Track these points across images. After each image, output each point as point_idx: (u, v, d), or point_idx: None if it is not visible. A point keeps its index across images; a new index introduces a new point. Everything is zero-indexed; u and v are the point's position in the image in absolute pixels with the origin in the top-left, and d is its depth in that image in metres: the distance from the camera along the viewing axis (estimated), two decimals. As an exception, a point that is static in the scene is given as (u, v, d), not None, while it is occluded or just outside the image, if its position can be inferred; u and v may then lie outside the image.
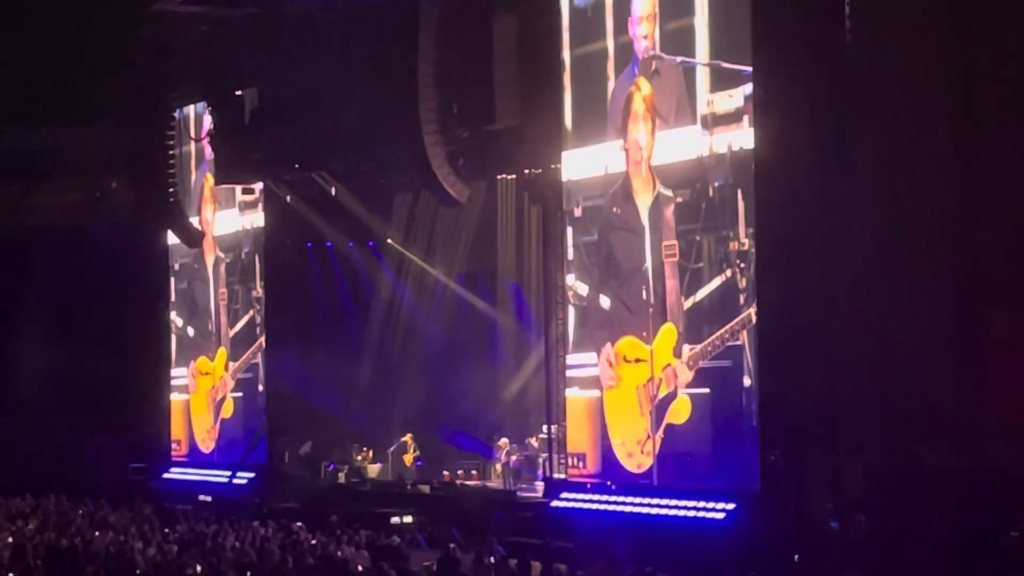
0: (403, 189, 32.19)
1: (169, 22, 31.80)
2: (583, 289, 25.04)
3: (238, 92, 32.23)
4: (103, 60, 35.04)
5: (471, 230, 31.59)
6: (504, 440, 29.29)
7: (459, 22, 26.58)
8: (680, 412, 23.21)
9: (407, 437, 31.64)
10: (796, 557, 20.49)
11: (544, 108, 25.55)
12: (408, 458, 31.48)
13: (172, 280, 37.13)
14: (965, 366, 21.27)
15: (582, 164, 24.96)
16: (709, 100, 22.71)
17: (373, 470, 31.67)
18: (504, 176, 29.74)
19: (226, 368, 34.96)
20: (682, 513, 22.33)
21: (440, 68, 26.46)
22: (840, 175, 20.96)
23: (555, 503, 24.84)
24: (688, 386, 23.08)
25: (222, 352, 35.10)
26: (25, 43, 36.18)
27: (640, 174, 23.92)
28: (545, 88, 25.46)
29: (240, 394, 34.62)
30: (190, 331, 36.44)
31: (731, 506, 21.73)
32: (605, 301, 24.54)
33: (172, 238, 36.27)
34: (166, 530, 25.43)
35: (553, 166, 25.87)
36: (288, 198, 33.51)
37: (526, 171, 28.17)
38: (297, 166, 31.98)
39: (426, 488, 29.28)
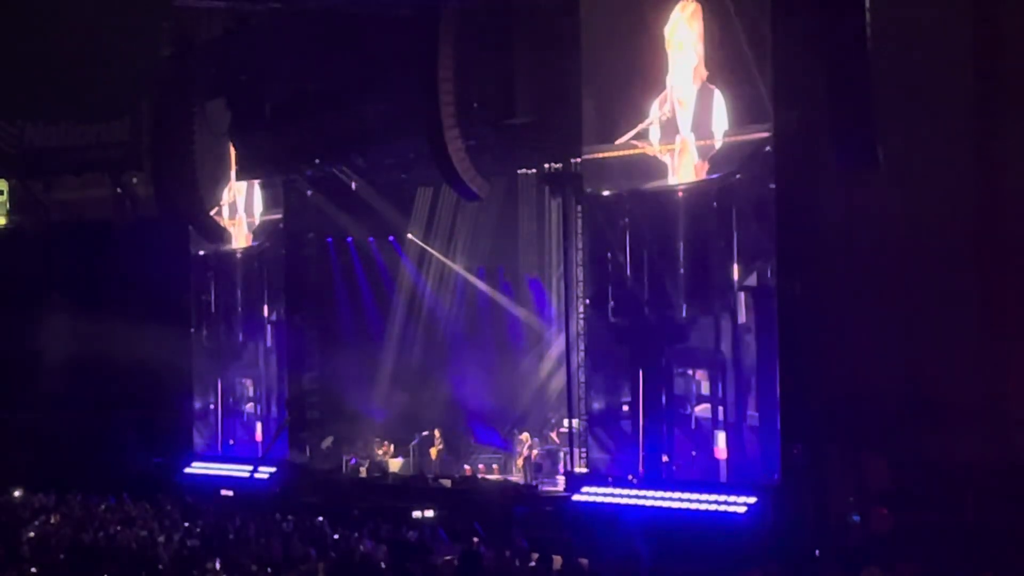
0: (423, 184, 32.18)
1: (190, 17, 31.86)
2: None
3: (259, 87, 32.26)
4: (124, 56, 35.10)
5: (491, 225, 31.55)
6: (525, 434, 29.28)
7: (479, 17, 26.57)
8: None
9: (436, 432, 31.57)
10: (816, 552, 20.43)
11: (564, 103, 25.53)
12: (434, 451, 31.46)
13: (195, 276, 37.16)
14: (988, 360, 21.23)
15: (603, 171, 24.95)
16: (731, 109, 22.78)
17: (394, 464, 31.64)
18: (524, 171, 29.71)
19: (248, 367, 35.02)
20: (704, 507, 22.33)
21: (460, 63, 26.45)
22: (862, 171, 20.90)
23: (576, 497, 24.85)
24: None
25: (244, 352, 35.17)
26: (45, 39, 36.25)
27: (663, 182, 23.95)
28: (565, 83, 25.45)
29: (263, 394, 34.67)
30: (212, 328, 36.49)
31: (753, 500, 21.72)
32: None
33: (195, 235, 36.34)
34: (188, 524, 25.49)
35: (574, 160, 25.86)
36: (308, 193, 33.53)
37: (546, 165, 28.14)
38: (318, 161, 31.99)
39: (447, 482, 29.27)
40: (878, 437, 21.63)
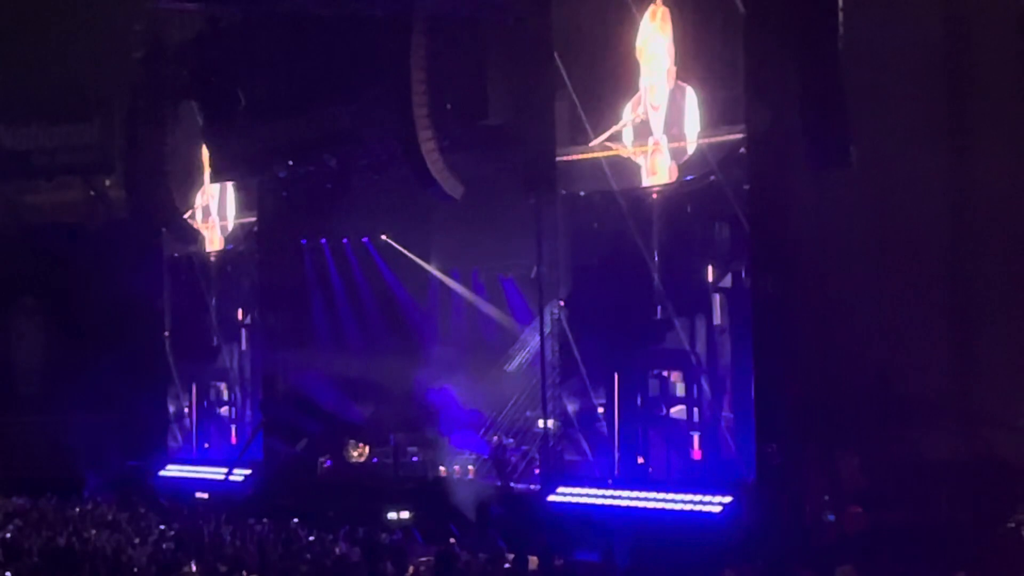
0: (397, 185, 32.13)
1: (163, 19, 31.79)
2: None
3: (232, 89, 32.19)
4: (96, 57, 35.05)
5: (465, 226, 31.54)
6: (500, 435, 29.31)
7: (451, 18, 26.57)
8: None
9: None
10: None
11: (538, 104, 25.53)
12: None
13: (168, 280, 37.07)
14: (962, 358, 21.35)
15: (577, 172, 24.98)
16: (704, 110, 22.86)
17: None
18: (498, 171, 29.68)
19: (222, 370, 34.98)
20: (679, 507, 22.37)
21: (433, 64, 26.45)
22: (835, 170, 20.96)
23: (552, 497, 24.87)
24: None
25: (219, 355, 35.12)
26: (17, 41, 36.14)
27: (637, 184, 24.00)
28: (538, 84, 25.45)
29: (237, 397, 34.64)
30: (186, 331, 36.40)
31: (728, 499, 21.78)
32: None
33: (168, 239, 36.26)
34: (163, 527, 25.43)
35: (548, 161, 25.85)
36: (283, 194, 33.47)
37: (520, 166, 28.11)
38: (291, 162, 31.94)
39: (422, 483, 29.26)
40: (852, 436, 21.72)
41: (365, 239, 34.19)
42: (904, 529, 20.28)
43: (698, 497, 22.15)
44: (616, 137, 24.27)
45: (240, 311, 34.88)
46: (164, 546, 22.47)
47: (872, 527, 20.77)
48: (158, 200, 34.26)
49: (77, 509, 28.89)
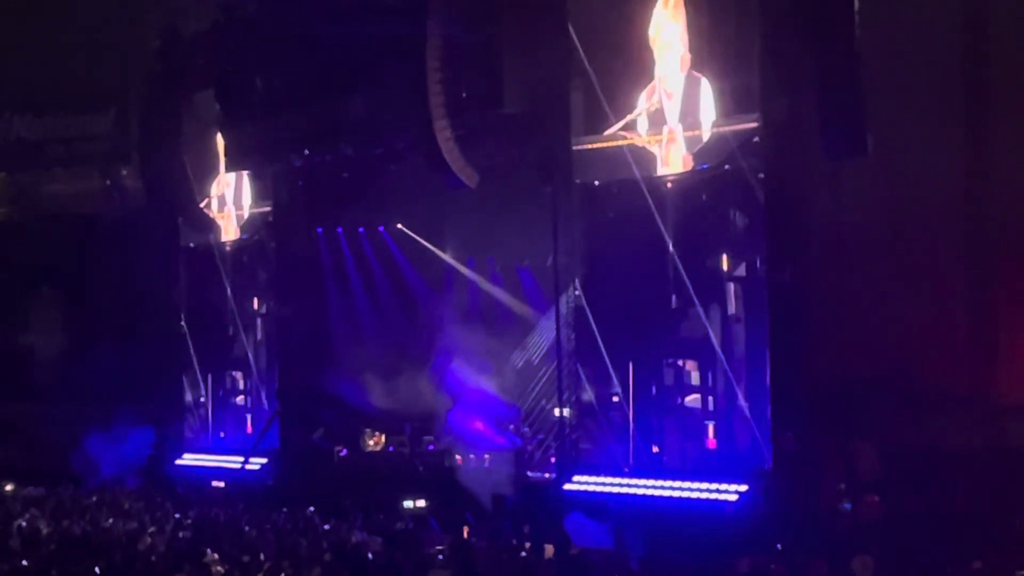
0: (413, 173, 32.11)
1: (178, 8, 31.80)
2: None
3: (247, 78, 32.20)
4: (112, 47, 35.08)
5: (481, 215, 31.52)
6: (516, 423, 29.32)
7: (467, 7, 26.55)
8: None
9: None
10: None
11: (553, 93, 25.52)
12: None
13: (185, 269, 37.10)
14: (978, 347, 21.29)
15: (593, 161, 24.95)
16: (719, 99, 22.80)
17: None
18: (514, 160, 29.66)
19: (238, 360, 35.03)
20: (695, 495, 22.37)
21: (448, 53, 26.44)
22: (851, 157, 20.91)
23: (567, 486, 24.88)
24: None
25: (235, 345, 35.18)
26: (33, 31, 36.20)
27: (652, 173, 23.96)
28: (554, 73, 25.44)
29: (253, 386, 34.69)
30: (202, 321, 36.46)
31: (744, 488, 21.77)
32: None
33: (184, 228, 36.30)
34: (178, 516, 25.48)
35: (564, 150, 25.85)
36: (298, 183, 33.48)
37: (536, 155, 28.10)
38: (307, 151, 31.94)
39: (438, 472, 29.28)
40: (868, 425, 21.68)
41: (381, 228, 34.19)
42: (921, 518, 20.25)
43: (713, 486, 22.15)
44: (631, 126, 24.25)
45: (256, 300, 34.93)
46: (180, 535, 22.51)
47: (889, 516, 20.74)
48: (174, 190, 34.30)
49: (94, 498, 28.96)
